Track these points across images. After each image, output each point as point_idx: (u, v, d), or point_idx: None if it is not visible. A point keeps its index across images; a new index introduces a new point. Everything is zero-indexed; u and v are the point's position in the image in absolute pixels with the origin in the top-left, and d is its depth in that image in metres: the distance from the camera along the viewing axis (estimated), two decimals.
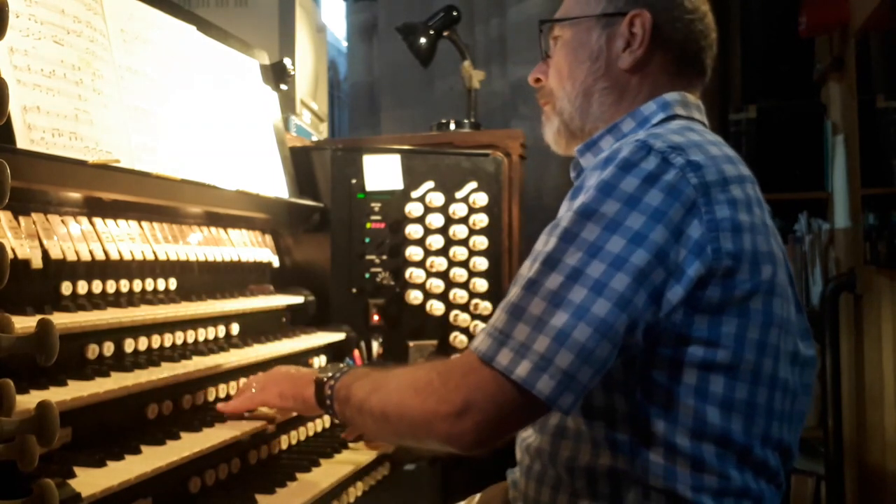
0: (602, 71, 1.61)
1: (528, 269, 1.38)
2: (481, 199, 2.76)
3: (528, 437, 1.59)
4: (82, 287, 1.72)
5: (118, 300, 1.79)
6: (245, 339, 2.13)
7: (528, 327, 1.32)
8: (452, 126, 3.19)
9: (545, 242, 1.38)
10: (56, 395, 1.38)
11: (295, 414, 1.94)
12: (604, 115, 1.61)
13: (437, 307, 2.74)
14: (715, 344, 1.36)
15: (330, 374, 1.66)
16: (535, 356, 1.30)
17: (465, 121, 3.22)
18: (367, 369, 1.69)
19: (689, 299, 1.34)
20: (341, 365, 1.70)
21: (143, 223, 1.94)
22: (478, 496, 1.83)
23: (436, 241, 2.74)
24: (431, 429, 1.38)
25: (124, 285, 1.84)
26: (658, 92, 1.58)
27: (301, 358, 2.27)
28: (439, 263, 2.75)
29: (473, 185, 2.77)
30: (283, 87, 2.72)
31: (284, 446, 1.97)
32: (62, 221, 1.69)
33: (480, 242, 2.76)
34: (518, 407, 1.33)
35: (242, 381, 1.93)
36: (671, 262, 1.33)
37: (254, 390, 1.82)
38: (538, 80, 1.73)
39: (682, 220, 1.34)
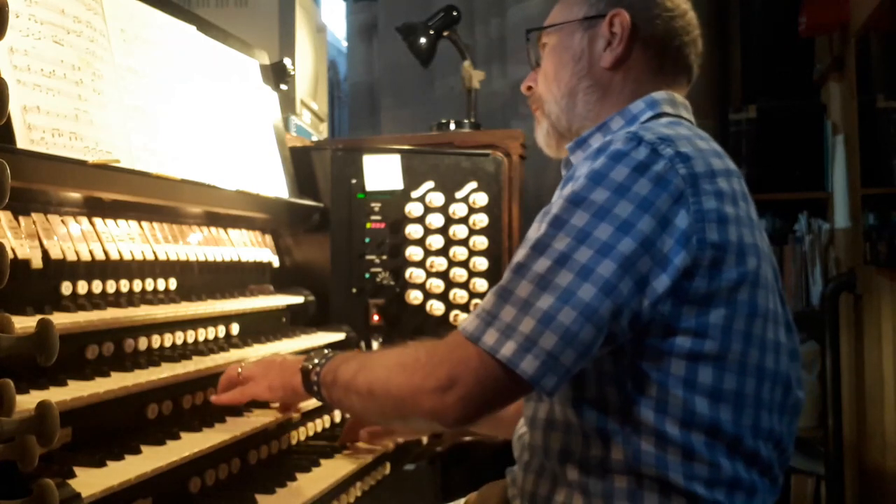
0: (585, 70, 1.65)
1: (519, 254, 1.42)
2: (481, 199, 2.76)
3: (523, 433, 1.61)
4: (82, 287, 1.72)
5: (118, 300, 1.79)
6: (245, 339, 2.13)
7: (515, 309, 1.36)
8: (452, 126, 3.18)
9: (536, 229, 1.42)
10: (56, 395, 1.38)
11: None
12: (589, 114, 1.65)
13: (437, 307, 2.74)
14: (702, 335, 1.39)
15: (316, 362, 1.70)
16: (520, 337, 1.34)
17: (465, 121, 3.21)
18: (352, 353, 1.73)
19: (676, 290, 1.37)
20: (326, 351, 1.73)
21: (143, 223, 1.94)
22: (475, 494, 1.84)
23: (436, 241, 2.74)
24: (417, 403, 1.41)
25: (124, 285, 1.84)
26: (642, 89, 1.62)
27: None
28: (439, 263, 2.74)
29: (473, 185, 2.77)
30: (283, 87, 2.73)
31: (284, 446, 1.97)
32: (62, 221, 1.69)
33: (480, 242, 2.75)
34: (502, 385, 1.37)
35: None
36: (657, 251, 1.36)
37: (240, 371, 1.82)
38: (530, 87, 1.77)
39: (670, 210, 1.37)
